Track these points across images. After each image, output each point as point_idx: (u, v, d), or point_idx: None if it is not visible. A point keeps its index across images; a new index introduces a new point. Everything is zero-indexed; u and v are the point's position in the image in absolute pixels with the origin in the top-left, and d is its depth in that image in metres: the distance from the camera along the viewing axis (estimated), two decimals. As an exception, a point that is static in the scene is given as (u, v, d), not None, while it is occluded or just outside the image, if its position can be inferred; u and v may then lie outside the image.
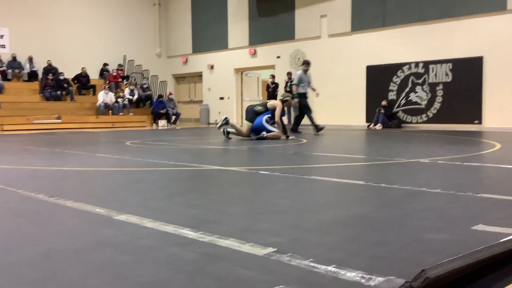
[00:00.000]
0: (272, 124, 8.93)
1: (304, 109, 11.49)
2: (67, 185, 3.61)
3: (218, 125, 9.46)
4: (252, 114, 9.04)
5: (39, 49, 17.40)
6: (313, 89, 11.80)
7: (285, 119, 11.66)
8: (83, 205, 2.73)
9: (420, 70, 13.98)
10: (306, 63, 11.89)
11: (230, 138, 9.00)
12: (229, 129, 9.20)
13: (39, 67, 17.33)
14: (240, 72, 19.19)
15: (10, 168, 4.71)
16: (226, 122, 9.19)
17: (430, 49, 13.73)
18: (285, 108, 9.44)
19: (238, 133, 9.13)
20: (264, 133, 8.71)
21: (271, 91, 16.85)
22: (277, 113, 8.94)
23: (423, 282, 1.38)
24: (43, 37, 17.66)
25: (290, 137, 8.92)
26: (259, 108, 9.10)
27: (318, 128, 10.98)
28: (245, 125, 9.09)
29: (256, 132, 8.83)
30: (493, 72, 12.62)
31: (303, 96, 11.45)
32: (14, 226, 2.32)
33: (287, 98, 9.39)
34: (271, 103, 9.20)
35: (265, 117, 8.87)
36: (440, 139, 8.80)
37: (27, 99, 16.17)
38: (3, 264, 1.71)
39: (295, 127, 11.54)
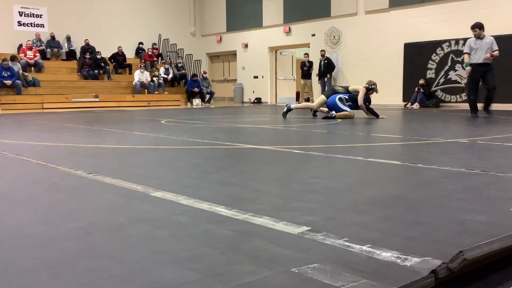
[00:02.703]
0: (348, 106, 8.72)
1: (470, 85, 9.08)
2: (105, 162, 3.69)
3: (284, 113, 9.26)
4: (330, 91, 9.03)
5: (76, 29, 17.70)
6: (491, 55, 8.74)
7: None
8: (120, 182, 2.78)
9: (460, 47, 13.53)
10: (478, 26, 8.94)
11: (286, 118, 8.95)
12: (292, 106, 9.19)
13: (77, 46, 17.65)
14: (275, 50, 19.05)
15: (50, 145, 4.84)
16: (289, 109, 9.15)
17: (470, 25, 13.23)
18: (370, 96, 9.09)
19: (307, 107, 9.15)
20: (333, 113, 8.53)
21: (306, 69, 16.71)
22: (360, 97, 8.74)
23: (461, 264, 1.35)
24: (80, 16, 17.94)
25: (381, 116, 8.82)
26: (339, 88, 9.03)
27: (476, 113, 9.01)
28: (320, 98, 9.09)
29: (329, 109, 8.73)
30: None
31: (484, 67, 8.79)
32: (54, 201, 2.39)
33: (373, 86, 8.92)
34: (353, 86, 9.03)
35: (340, 95, 8.73)
36: (480, 118, 8.54)
37: (66, 78, 16.52)
38: (44, 237, 1.77)
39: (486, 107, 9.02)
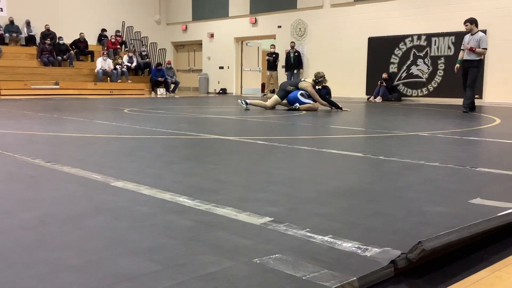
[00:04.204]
0: (309, 98, 8.74)
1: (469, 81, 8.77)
2: (64, 151, 3.59)
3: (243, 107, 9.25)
4: (283, 92, 8.97)
5: (36, 13, 17.11)
6: (470, 49, 8.58)
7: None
8: (80, 171, 2.72)
9: (423, 42, 13.83)
10: (469, 21, 8.77)
11: (248, 109, 8.89)
12: (249, 102, 9.14)
13: (37, 31, 17.10)
14: (241, 41, 18.97)
15: (7, 133, 4.68)
16: (246, 104, 9.09)
17: (433, 21, 13.54)
18: (329, 86, 9.02)
19: (260, 106, 9.05)
20: (297, 105, 8.55)
21: (271, 61, 16.71)
22: (313, 95, 8.74)
23: (419, 254, 1.38)
24: (40, 0, 17.36)
25: (344, 109, 8.84)
26: (290, 88, 8.97)
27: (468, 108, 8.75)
28: (273, 99, 9.01)
29: (291, 103, 8.73)
30: (496, 46, 12.46)
31: (467, 64, 8.70)
32: (10, 190, 2.31)
33: (320, 79, 8.96)
34: (301, 85, 8.93)
35: (300, 91, 8.73)
36: (440, 113, 8.76)
37: (25, 64, 16.00)
38: (1, 227, 1.71)
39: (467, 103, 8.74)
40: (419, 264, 1.42)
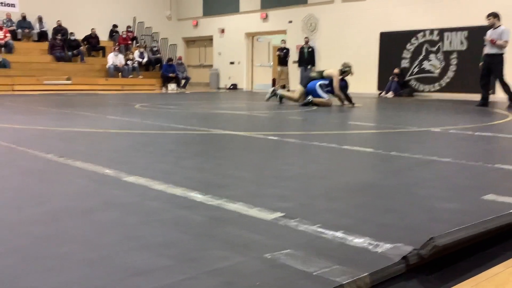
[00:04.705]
0: (327, 92, 8.67)
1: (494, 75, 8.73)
2: (76, 146, 3.62)
3: (266, 97, 9.31)
4: (306, 79, 8.92)
5: (48, 9, 17.22)
6: (491, 41, 8.61)
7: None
8: (91, 166, 2.73)
9: (435, 37, 13.71)
10: (492, 15, 8.72)
11: (282, 103, 8.93)
12: (280, 93, 9.14)
13: (49, 27, 17.21)
14: (251, 36, 18.94)
15: (20, 128, 4.73)
16: (274, 94, 9.10)
17: (446, 16, 13.41)
18: (347, 79, 9.00)
19: (290, 99, 9.03)
20: (310, 98, 8.45)
21: (282, 56, 16.68)
22: (335, 85, 8.66)
23: (431, 250, 1.37)
24: (53, -4, 17.48)
25: (356, 105, 8.76)
26: (314, 74, 8.95)
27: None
28: (298, 90, 8.95)
29: (308, 94, 8.65)
30: (510, 41, 12.31)
31: (489, 58, 8.62)
32: (23, 185, 2.33)
33: (347, 69, 8.84)
34: (327, 71, 8.88)
35: (320, 82, 8.64)
36: (452, 108, 8.69)
37: (37, 59, 16.11)
38: (13, 221, 1.73)
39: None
40: (430, 260, 1.41)
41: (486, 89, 8.91)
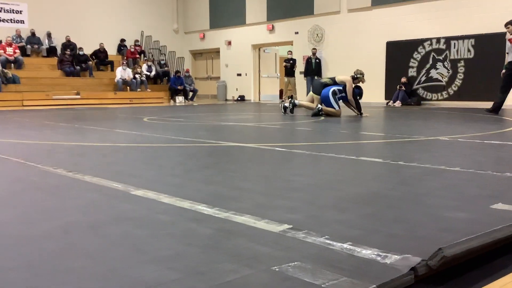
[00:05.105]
0: (340, 98, 8.62)
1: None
2: (86, 160, 3.65)
3: (286, 111, 9.24)
4: (319, 86, 8.82)
5: (57, 25, 17.44)
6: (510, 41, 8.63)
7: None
8: (101, 180, 2.76)
9: (442, 46, 13.70)
10: (510, 23, 8.60)
11: (293, 113, 8.98)
12: (298, 102, 9.19)
13: (58, 43, 17.42)
14: (258, 48, 19.03)
15: (30, 143, 4.77)
16: (293, 105, 9.10)
17: (452, 24, 13.41)
18: (360, 88, 9.00)
19: (309, 108, 8.97)
20: (320, 107, 8.39)
21: (288, 67, 16.74)
22: (349, 90, 8.60)
23: (440, 261, 1.37)
24: (61, 12, 17.68)
25: (364, 114, 8.71)
26: (326, 80, 8.91)
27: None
28: (315, 99, 8.85)
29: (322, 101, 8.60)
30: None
31: (510, 66, 8.63)
32: (33, 200, 2.35)
33: (359, 75, 8.81)
34: (340, 77, 8.83)
35: (333, 88, 8.57)
36: (461, 116, 8.65)
37: (47, 74, 16.28)
38: (24, 235, 1.75)
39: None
40: (439, 271, 1.41)
41: (504, 96, 8.90)
